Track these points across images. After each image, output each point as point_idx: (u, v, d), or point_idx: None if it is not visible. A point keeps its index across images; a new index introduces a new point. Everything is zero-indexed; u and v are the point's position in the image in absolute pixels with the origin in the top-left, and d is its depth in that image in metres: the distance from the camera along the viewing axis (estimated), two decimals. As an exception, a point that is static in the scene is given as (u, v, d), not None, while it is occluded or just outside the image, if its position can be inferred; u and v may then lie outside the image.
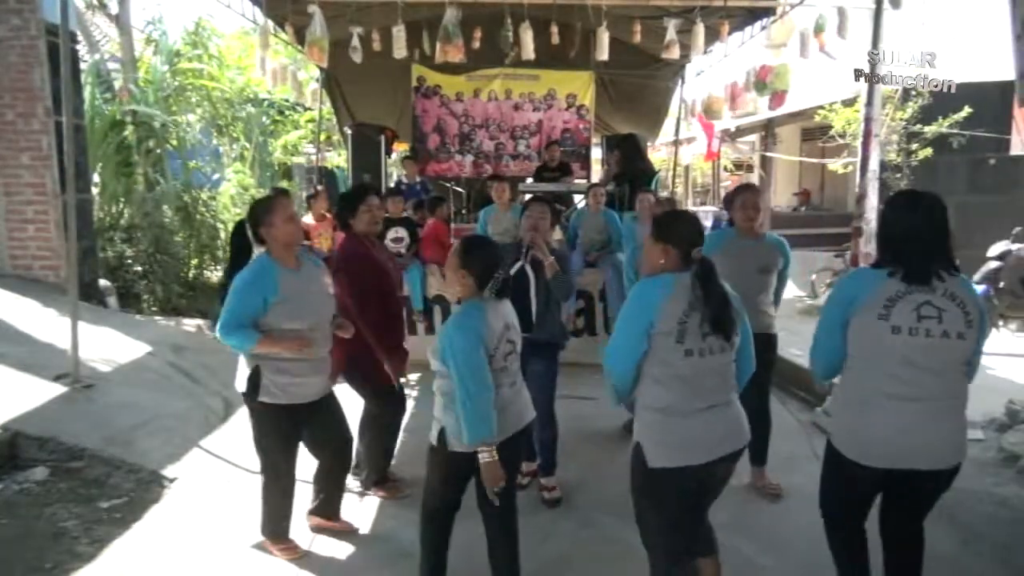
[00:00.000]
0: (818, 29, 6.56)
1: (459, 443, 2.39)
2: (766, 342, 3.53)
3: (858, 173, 5.19)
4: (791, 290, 10.61)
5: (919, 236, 2.13)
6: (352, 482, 3.60)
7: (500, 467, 2.35)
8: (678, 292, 2.13)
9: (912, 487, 2.23)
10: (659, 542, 2.28)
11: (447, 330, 2.40)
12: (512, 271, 3.48)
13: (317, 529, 3.22)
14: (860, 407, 2.19)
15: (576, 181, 8.85)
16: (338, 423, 3.10)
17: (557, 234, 6.26)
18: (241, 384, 2.86)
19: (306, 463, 3.11)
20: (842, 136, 9.54)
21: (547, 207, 3.64)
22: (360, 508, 3.50)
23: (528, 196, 5.69)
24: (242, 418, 4.66)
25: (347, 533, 3.24)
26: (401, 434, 3.76)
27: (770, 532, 3.25)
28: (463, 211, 8.71)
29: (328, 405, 3.04)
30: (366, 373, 3.41)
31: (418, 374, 5.24)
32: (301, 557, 3.01)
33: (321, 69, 9.04)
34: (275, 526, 3.02)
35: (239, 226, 2.99)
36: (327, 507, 3.22)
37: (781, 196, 15.21)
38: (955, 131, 8.50)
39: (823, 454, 2.39)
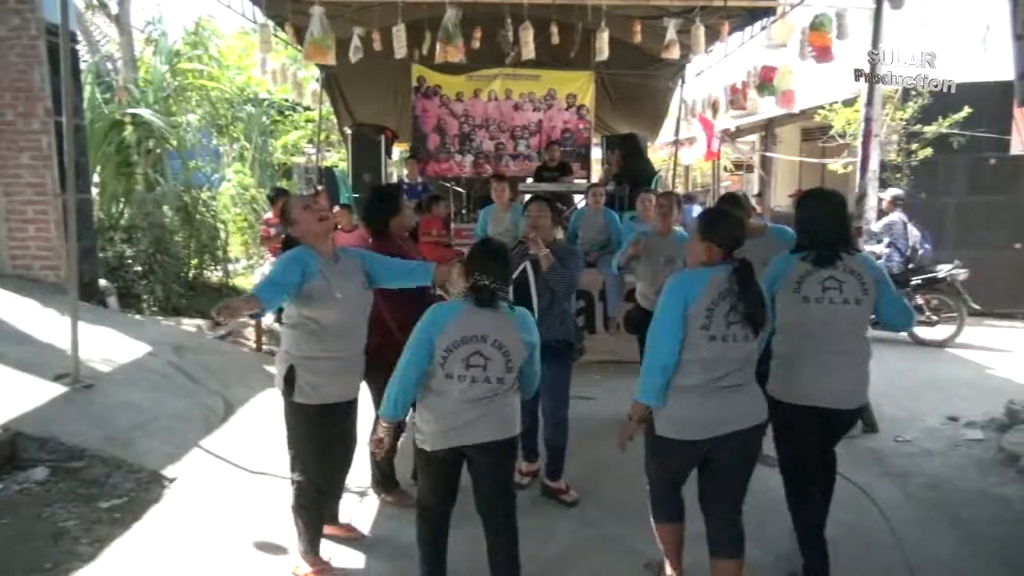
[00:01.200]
0: (816, 27, 6.55)
1: (424, 441, 2.50)
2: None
3: (858, 173, 5.20)
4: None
5: (821, 225, 2.70)
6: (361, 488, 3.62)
7: (383, 443, 2.53)
8: (713, 283, 2.42)
9: (833, 426, 2.74)
10: (653, 485, 2.72)
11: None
12: (515, 272, 3.46)
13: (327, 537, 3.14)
14: (790, 362, 2.71)
15: (576, 181, 8.85)
16: (353, 426, 3.08)
17: (559, 233, 6.26)
18: (279, 383, 2.82)
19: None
20: (842, 136, 9.53)
21: (547, 205, 3.62)
22: (360, 509, 3.50)
23: (528, 196, 5.68)
24: (242, 418, 4.68)
25: (357, 539, 3.21)
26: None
27: (770, 532, 3.24)
28: (463, 211, 8.72)
29: (353, 406, 3.01)
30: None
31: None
32: None
33: (321, 69, 9.05)
34: (311, 541, 2.89)
35: (289, 239, 2.98)
36: (329, 511, 3.18)
37: (781, 196, 15.19)
38: (955, 131, 8.49)
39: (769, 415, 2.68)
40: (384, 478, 3.57)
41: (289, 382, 2.75)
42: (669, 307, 2.42)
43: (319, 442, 2.86)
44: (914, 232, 7.20)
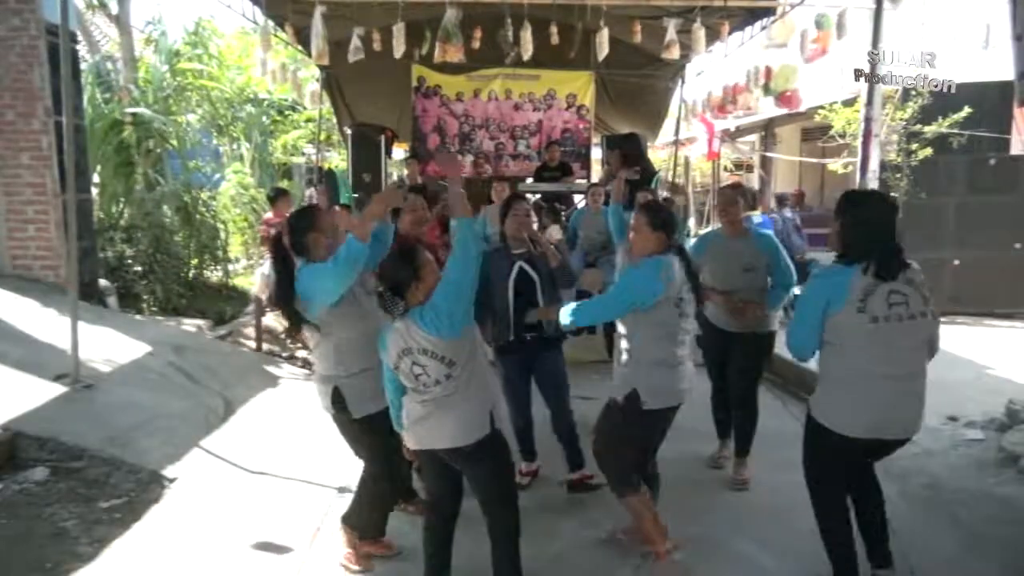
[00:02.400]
0: (821, 27, 6.55)
1: (410, 440, 2.55)
2: (759, 341, 3.76)
3: (858, 173, 5.20)
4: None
5: (880, 232, 2.45)
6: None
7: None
8: (676, 267, 2.77)
9: (881, 453, 2.61)
10: (622, 464, 2.92)
11: None
12: (511, 276, 3.49)
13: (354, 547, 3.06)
14: (847, 388, 2.48)
15: (576, 181, 8.85)
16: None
17: (558, 233, 6.27)
18: (327, 405, 2.81)
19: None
20: (842, 136, 9.53)
21: (528, 203, 3.70)
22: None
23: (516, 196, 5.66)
24: (242, 418, 4.68)
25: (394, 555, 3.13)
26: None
27: (770, 532, 3.24)
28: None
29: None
30: None
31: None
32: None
33: (321, 69, 9.05)
34: (379, 528, 3.00)
35: (279, 239, 2.88)
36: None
37: (781, 196, 15.20)
38: (955, 131, 8.48)
39: (804, 429, 2.71)
40: (403, 487, 3.49)
41: (339, 401, 2.75)
42: (648, 277, 2.74)
43: (387, 445, 2.81)
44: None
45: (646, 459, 3.03)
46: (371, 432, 2.80)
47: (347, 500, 3.51)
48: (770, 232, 4.57)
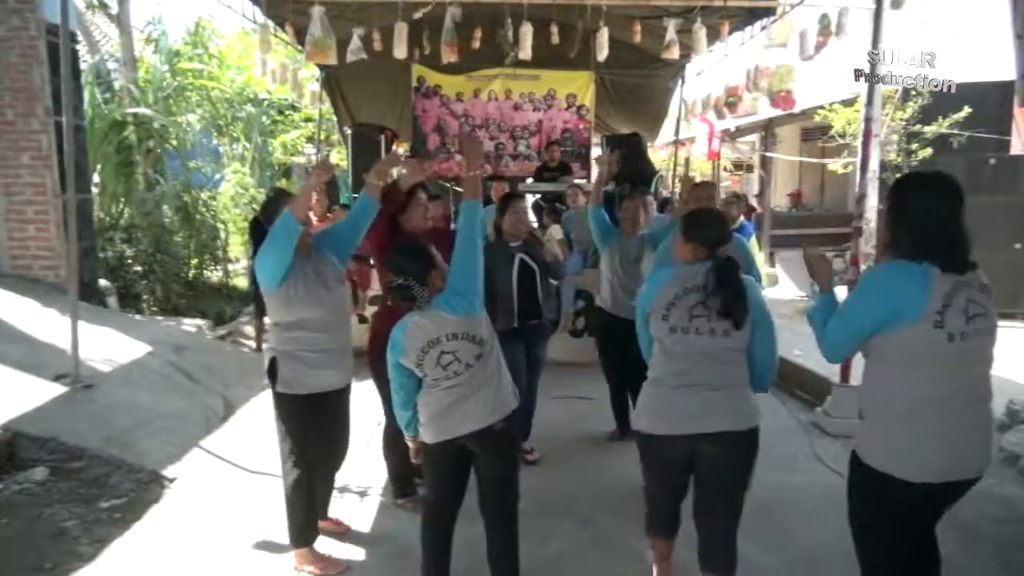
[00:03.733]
0: (825, 29, 6.54)
1: (426, 435, 2.53)
2: None
3: (858, 173, 5.19)
4: (792, 290, 10.62)
5: (955, 221, 1.91)
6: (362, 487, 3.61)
7: (418, 451, 2.62)
8: (678, 278, 2.41)
9: (945, 499, 2.02)
10: (648, 496, 2.64)
11: None
12: (514, 267, 3.75)
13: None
14: (912, 423, 1.94)
15: (576, 181, 8.84)
16: (345, 417, 3.10)
17: (559, 232, 6.26)
18: (265, 375, 2.89)
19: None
20: (842, 136, 9.53)
21: (525, 201, 4.05)
22: (360, 508, 3.50)
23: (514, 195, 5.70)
24: (242, 418, 4.68)
25: (342, 533, 3.22)
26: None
27: (770, 532, 3.24)
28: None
29: (342, 398, 3.03)
30: None
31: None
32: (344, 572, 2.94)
33: (321, 69, 9.05)
34: (303, 530, 2.91)
35: (255, 224, 2.99)
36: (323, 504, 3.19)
37: (781, 196, 15.20)
38: (955, 131, 8.49)
39: (849, 476, 2.16)
40: (401, 483, 3.53)
41: (272, 373, 2.81)
42: (657, 279, 2.49)
43: (304, 432, 2.90)
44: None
45: (670, 505, 2.62)
46: (286, 413, 2.88)
47: (347, 500, 3.53)
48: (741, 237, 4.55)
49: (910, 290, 1.88)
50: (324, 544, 3.10)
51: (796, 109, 9.35)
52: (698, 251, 2.43)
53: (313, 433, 2.92)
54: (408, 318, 2.44)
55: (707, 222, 2.50)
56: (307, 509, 2.92)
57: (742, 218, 6.45)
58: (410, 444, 2.65)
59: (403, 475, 3.50)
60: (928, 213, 1.92)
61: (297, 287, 2.73)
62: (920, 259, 1.89)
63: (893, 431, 1.98)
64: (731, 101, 9.20)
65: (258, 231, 2.94)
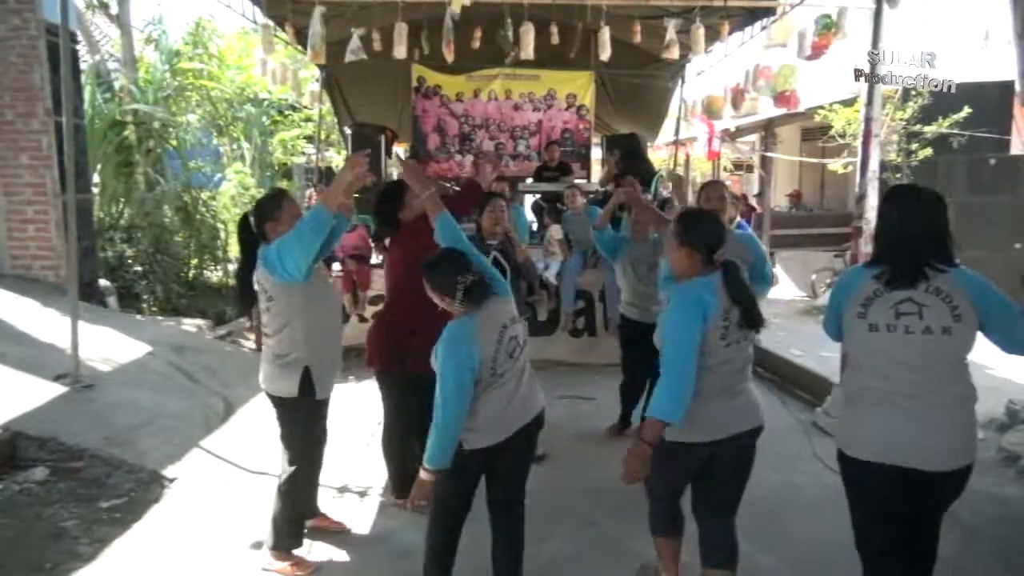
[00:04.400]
0: (826, 28, 6.53)
1: (476, 441, 2.43)
2: None
3: (858, 173, 5.18)
4: (792, 290, 10.63)
5: (901, 234, 2.17)
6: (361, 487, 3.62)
7: (429, 486, 2.36)
8: (720, 290, 2.33)
9: (918, 492, 2.13)
10: (655, 498, 2.64)
11: (438, 352, 2.34)
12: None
13: (311, 530, 3.19)
14: (855, 405, 2.24)
15: (576, 181, 8.85)
16: (326, 417, 3.12)
17: (559, 233, 6.27)
18: (289, 388, 2.78)
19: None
20: (842, 136, 9.52)
21: (503, 202, 4.06)
22: (360, 508, 3.50)
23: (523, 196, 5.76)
24: (242, 418, 4.67)
25: (342, 533, 3.23)
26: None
27: (770, 532, 3.24)
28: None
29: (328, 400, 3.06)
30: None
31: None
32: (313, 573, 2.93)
33: (321, 69, 9.05)
34: (292, 537, 2.93)
35: (244, 221, 2.95)
36: (312, 505, 3.21)
37: (781, 196, 15.20)
38: (955, 131, 8.49)
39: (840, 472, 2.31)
40: (403, 484, 3.51)
41: (308, 382, 2.79)
42: (687, 321, 2.28)
43: (317, 438, 2.97)
44: None
45: (675, 504, 2.66)
46: (305, 421, 2.89)
47: (347, 500, 3.53)
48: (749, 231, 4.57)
49: (848, 285, 2.25)
50: (328, 545, 3.11)
51: (795, 109, 9.35)
52: (694, 255, 2.36)
53: (318, 438, 2.98)
54: (469, 315, 2.35)
55: (704, 225, 2.42)
56: (301, 516, 2.97)
57: (739, 218, 6.45)
58: (425, 476, 2.34)
59: (404, 476, 3.48)
60: (883, 224, 2.26)
61: (316, 282, 2.76)
62: (873, 264, 2.21)
63: (846, 412, 2.31)
64: (714, 110, 9.26)
65: (247, 230, 2.90)
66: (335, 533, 3.21)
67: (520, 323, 2.51)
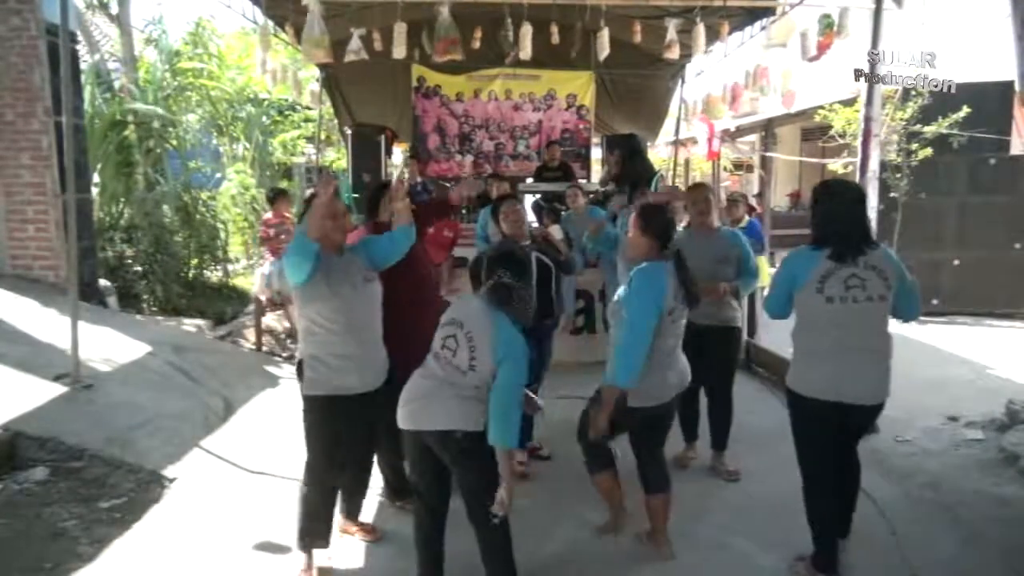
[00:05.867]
0: (828, 28, 6.53)
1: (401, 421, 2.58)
2: (728, 334, 3.88)
3: (858, 173, 5.18)
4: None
5: (839, 221, 2.69)
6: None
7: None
8: (670, 274, 2.84)
9: (850, 421, 2.77)
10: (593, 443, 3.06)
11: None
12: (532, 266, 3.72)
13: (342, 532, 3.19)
14: (810, 357, 2.77)
15: (579, 182, 8.85)
16: (356, 418, 2.97)
17: (559, 232, 6.26)
18: (296, 379, 2.90)
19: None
20: (842, 136, 9.53)
21: (516, 202, 3.98)
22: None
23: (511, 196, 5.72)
24: (242, 418, 4.68)
25: (376, 540, 3.20)
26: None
27: (770, 532, 3.25)
28: (463, 211, 8.70)
29: (375, 400, 2.91)
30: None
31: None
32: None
33: (321, 69, 9.05)
34: (307, 537, 2.87)
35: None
36: (351, 509, 3.20)
37: (781, 196, 15.21)
38: (955, 131, 8.49)
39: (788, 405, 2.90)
40: (399, 486, 3.50)
41: (300, 373, 2.83)
42: (648, 303, 2.78)
43: (331, 437, 2.85)
44: None
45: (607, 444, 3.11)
46: (311, 417, 2.86)
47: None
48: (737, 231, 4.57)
49: (802, 267, 2.72)
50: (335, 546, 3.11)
51: (795, 109, 9.36)
52: (652, 243, 2.86)
53: (335, 439, 2.87)
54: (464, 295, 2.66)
55: (661, 219, 2.91)
56: (317, 518, 2.88)
57: (747, 217, 6.46)
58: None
59: (400, 479, 3.47)
60: (823, 215, 2.75)
61: (326, 279, 2.73)
62: (819, 246, 2.70)
63: (799, 363, 2.82)
64: (714, 110, 9.26)
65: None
66: (342, 533, 3.20)
67: (469, 345, 2.50)
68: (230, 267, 9.35)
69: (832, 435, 2.78)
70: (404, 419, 2.57)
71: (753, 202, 12.34)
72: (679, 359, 3.01)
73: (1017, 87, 4.11)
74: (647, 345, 2.76)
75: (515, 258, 2.68)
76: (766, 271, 5.41)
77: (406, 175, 8.43)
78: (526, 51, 6.97)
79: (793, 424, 2.88)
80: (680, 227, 3.97)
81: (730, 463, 3.92)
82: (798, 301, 2.75)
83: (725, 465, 3.91)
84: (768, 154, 13.45)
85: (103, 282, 6.58)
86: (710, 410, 3.99)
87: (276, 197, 6.87)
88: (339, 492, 3.01)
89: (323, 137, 11.46)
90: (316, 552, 2.90)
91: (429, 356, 2.61)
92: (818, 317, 2.70)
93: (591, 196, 7.36)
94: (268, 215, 6.80)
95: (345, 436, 2.89)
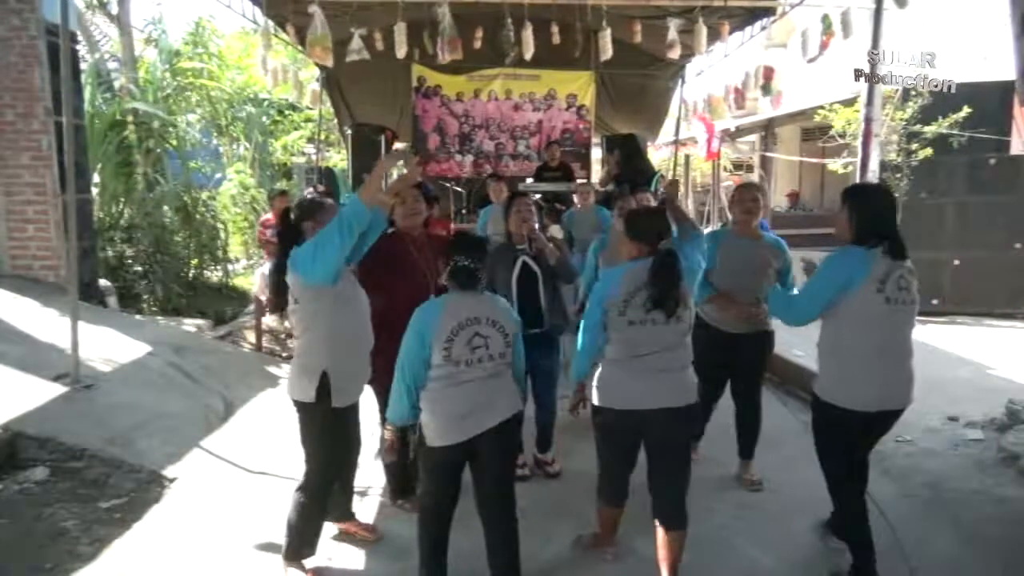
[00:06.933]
0: (830, 27, 6.53)
1: (436, 438, 2.50)
2: (763, 339, 3.68)
3: (858, 173, 5.19)
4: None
5: (890, 218, 2.68)
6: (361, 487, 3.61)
7: (392, 445, 2.60)
8: (627, 277, 2.64)
9: (879, 426, 2.74)
10: (602, 466, 2.89)
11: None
12: (515, 270, 3.60)
13: (340, 536, 3.19)
14: (853, 365, 2.65)
15: (579, 182, 8.85)
16: (356, 423, 3.07)
17: (558, 232, 6.27)
18: (306, 393, 2.70)
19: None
20: (842, 136, 9.53)
21: (531, 200, 3.83)
22: (360, 508, 3.49)
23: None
24: (242, 418, 4.67)
25: (370, 539, 3.20)
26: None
27: (770, 532, 3.24)
28: (463, 211, 8.72)
29: (357, 405, 2.99)
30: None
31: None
32: None
33: (321, 69, 9.05)
34: (302, 545, 2.87)
35: (285, 216, 2.84)
36: (342, 509, 3.20)
37: (781, 196, 15.21)
38: (955, 131, 8.49)
39: (812, 415, 2.85)
40: (400, 485, 3.50)
41: (324, 387, 2.70)
42: (593, 303, 2.71)
43: (341, 446, 2.88)
44: None
45: (621, 475, 2.87)
46: (329, 429, 2.81)
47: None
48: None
49: (861, 265, 2.58)
50: (327, 545, 3.10)
51: (796, 109, 9.36)
52: (636, 246, 2.72)
53: (339, 444, 2.89)
54: (448, 296, 2.54)
55: (644, 222, 2.79)
56: (315, 523, 2.90)
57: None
58: (389, 434, 2.59)
59: (403, 479, 3.48)
60: (873, 214, 2.66)
61: (344, 287, 2.72)
62: (870, 246, 2.59)
63: (841, 370, 2.69)
64: (734, 100, 9.21)
65: (287, 227, 2.80)
66: (343, 535, 3.20)
67: (497, 327, 2.51)
68: (230, 267, 9.35)
69: (857, 439, 2.75)
70: (467, 428, 2.48)
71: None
72: (656, 376, 2.64)
73: (1017, 87, 4.12)
74: (591, 337, 2.72)
75: (467, 240, 2.64)
76: None
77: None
78: (527, 51, 6.98)
79: (820, 432, 2.82)
80: (719, 225, 3.91)
81: (756, 472, 3.79)
82: (847, 303, 2.61)
83: (752, 475, 3.78)
84: (768, 154, 13.47)
85: (103, 282, 6.58)
86: (738, 417, 3.82)
87: (275, 198, 6.88)
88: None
89: (323, 137, 11.45)
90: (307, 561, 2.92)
91: (456, 370, 2.46)
92: (873, 318, 2.59)
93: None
94: (267, 216, 6.80)
95: (352, 442, 2.97)
